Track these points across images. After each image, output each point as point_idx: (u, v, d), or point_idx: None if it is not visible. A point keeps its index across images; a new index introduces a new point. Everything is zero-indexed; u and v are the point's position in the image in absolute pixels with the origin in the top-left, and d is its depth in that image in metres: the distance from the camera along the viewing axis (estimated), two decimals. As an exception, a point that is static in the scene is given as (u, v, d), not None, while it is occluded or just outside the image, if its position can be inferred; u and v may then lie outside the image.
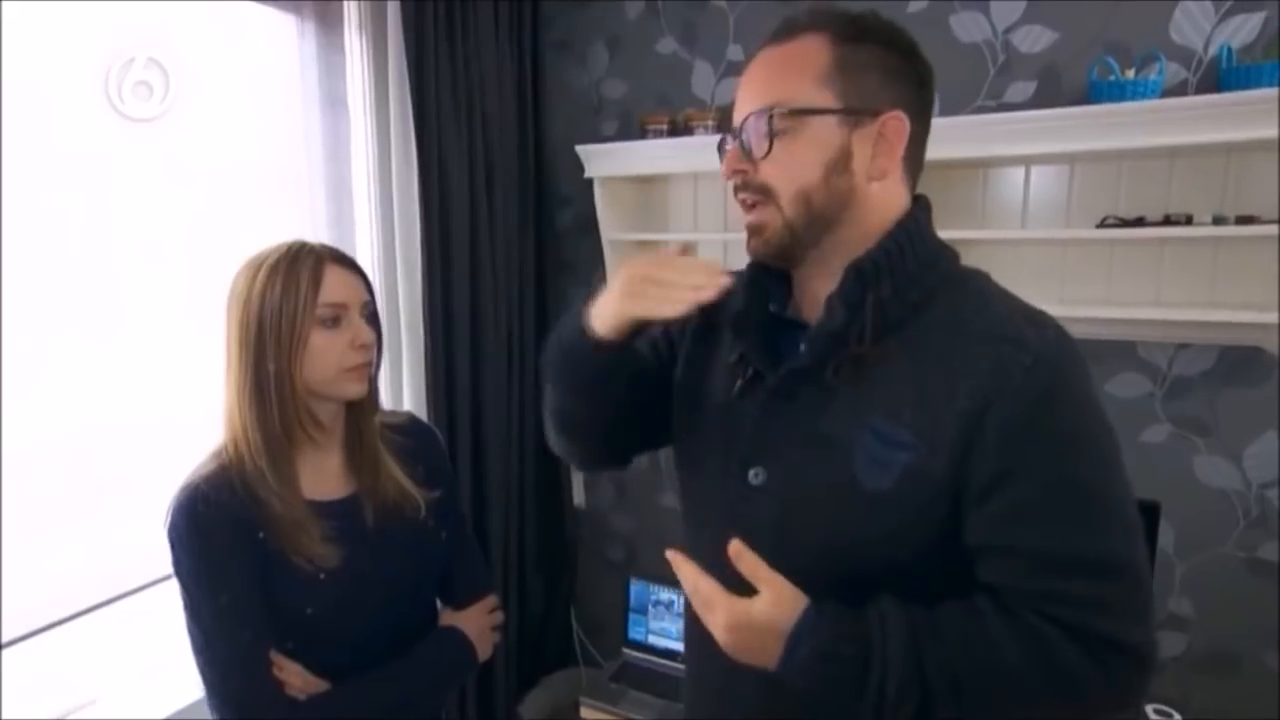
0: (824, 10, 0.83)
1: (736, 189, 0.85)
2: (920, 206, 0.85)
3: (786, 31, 0.83)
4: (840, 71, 0.80)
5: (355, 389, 1.09)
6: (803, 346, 0.83)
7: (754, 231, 0.85)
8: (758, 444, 0.85)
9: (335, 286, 1.06)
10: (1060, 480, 0.74)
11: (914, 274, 0.81)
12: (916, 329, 0.80)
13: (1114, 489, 0.75)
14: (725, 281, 0.81)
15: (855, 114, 0.80)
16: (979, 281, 0.85)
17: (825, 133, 0.80)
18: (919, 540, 0.77)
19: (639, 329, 0.86)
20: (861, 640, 0.72)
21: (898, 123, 0.80)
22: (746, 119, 0.83)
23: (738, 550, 0.76)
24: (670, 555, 0.81)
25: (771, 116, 0.81)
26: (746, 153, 0.83)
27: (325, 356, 1.05)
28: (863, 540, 0.78)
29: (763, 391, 0.85)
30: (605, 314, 0.86)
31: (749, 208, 0.85)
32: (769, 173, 0.82)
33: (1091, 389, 0.78)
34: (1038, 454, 0.74)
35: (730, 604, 0.75)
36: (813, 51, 0.81)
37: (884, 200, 0.83)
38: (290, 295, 1.03)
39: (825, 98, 0.80)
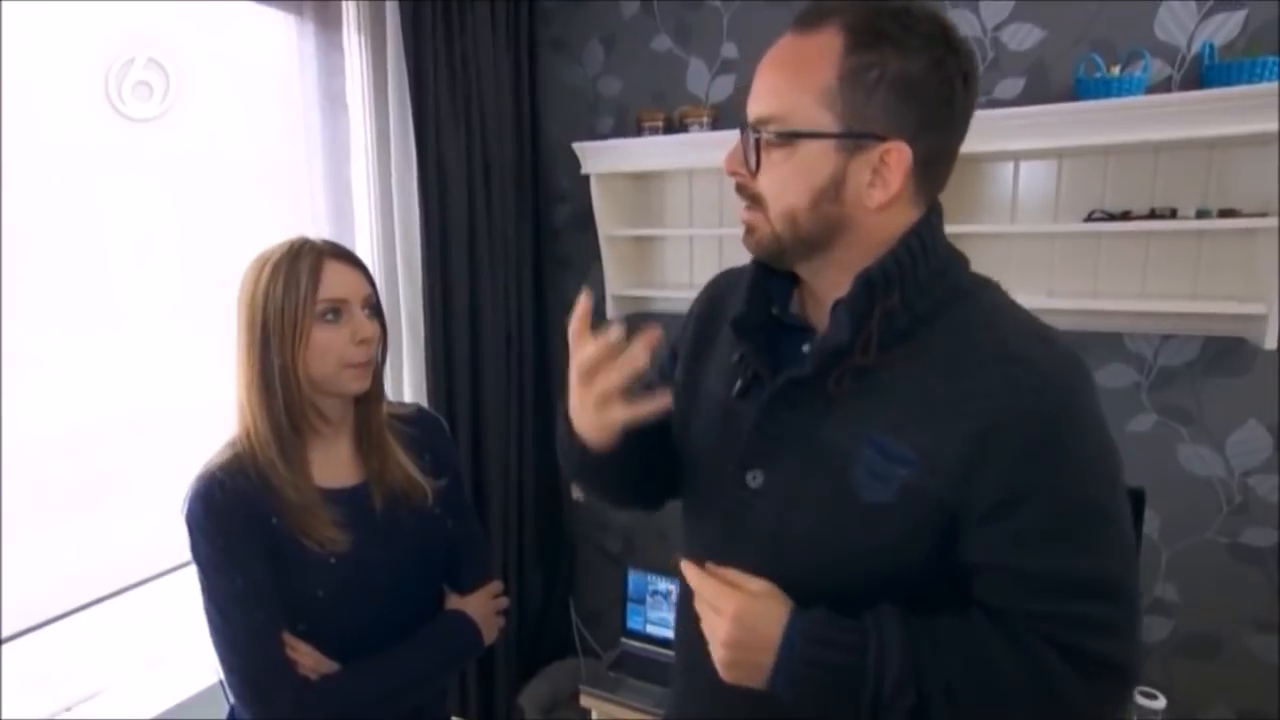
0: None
1: (736, 186, 0.83)
2: (934, 212, 0.81)
3: (810, 20, 0.77)
4: (846, 89, 0.74)
5: (357, 385, 1.11)
6: (805, 350, 0.82)
7: (747, 230, 0.83)
8: (756, 447, 0.84)
9: (335, 282, 1.08)
10: (1068, 503, 0.73)
11: (924, 284, 0.78)
12: (923, 341, 0.77)
13: (1116, 510, 0.75)
14: (653, 334, 0.79)
15: (855, 138, 0.74)
16: (990, 294, 0.82)
17: (818, 157, 0.76)
18: (914, 555, 0.77)
19: (627, 429, 0.83)
20: (858, 638, 0.73)
21: (899, 154, 0.74)
22: (745, 126, 0.79)
23: (703, 574, 0.80)
24: (684, 566, 0.82)
25: (759, 137, 0.77)
26: (745, 157, 0.80)
27: (327, 351, 1.07)
28: (859, 552, 0.78)
29: (763, 395, 0.83)
30: (585, 430, 0.85)
31: (745, 206, 0.83)
32: (762, 183, 0.79)
33: (1098, 409, 0.77)
34: (1046, 476, 0.73)
35: (737, 596, 0.76)
36: (822, 60, 0.74)
37: (881, 223, 0.78)
38: (291, 292, 1.05)
39: (824, 119, 0.75)
